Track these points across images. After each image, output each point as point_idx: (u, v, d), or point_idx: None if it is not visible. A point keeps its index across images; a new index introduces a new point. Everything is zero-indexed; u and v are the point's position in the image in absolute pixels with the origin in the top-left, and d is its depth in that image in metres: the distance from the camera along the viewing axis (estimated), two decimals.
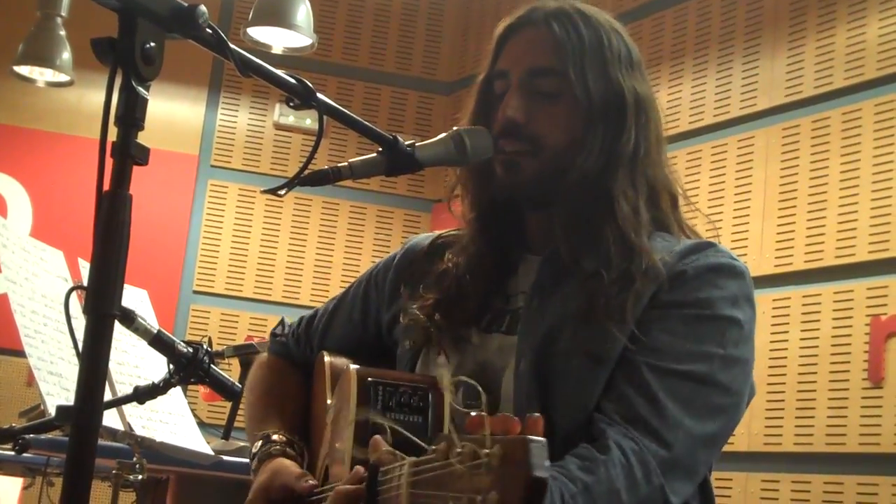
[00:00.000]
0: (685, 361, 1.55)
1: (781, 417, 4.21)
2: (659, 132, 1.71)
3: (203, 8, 1.30)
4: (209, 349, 1.63)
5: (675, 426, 1.52)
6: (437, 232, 1.88)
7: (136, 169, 1.24)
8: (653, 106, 1.70)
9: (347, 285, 1.95)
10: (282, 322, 2.04)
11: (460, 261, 1.74)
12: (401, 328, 1.78)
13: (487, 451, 0.97)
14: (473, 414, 1.03)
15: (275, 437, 1.78)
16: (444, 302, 1.72)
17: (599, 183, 1.63)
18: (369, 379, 1.53)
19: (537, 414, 1.00)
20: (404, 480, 1.15)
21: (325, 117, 1.45)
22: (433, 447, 1.08)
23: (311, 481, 1.65)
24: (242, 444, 3.15)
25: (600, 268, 1.59)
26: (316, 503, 1.62)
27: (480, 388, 1.08)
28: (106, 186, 1.23)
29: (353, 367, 1.58)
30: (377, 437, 1.32)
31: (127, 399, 1.68)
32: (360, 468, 1.39)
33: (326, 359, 1.82)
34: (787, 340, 4.27)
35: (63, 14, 4.83)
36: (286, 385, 1.94)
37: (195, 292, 5.96)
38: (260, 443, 1.78)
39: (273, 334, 2.02)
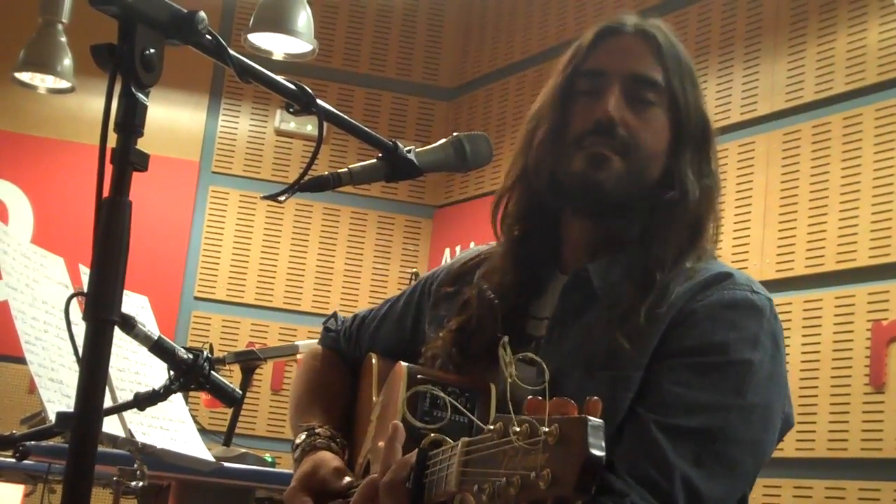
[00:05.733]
0: (697, 416, 1.48)
1: None
2: None
3: (202, 14, 1.30)
4: (210, 355, 1.62)
5: (688, 493, 1.45)
6: (480, 248, 1.85)
7: (137, 175, 1.24)
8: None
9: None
10: (334, 315, 2.06)
11: (485, 288, 1.71)
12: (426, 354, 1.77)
13: (546, 429, 0.97)
14: (529, 398, 1.02)
15: (319, 430, 1.80)
16: (462, 333, 1.70)
17: (695, 211, 1.62)
18: (419, 376, 1.54)
19: (596, 397, 0.98)
20: (455, 460, 1.14)
21: (325, 123, 1.45)
22: (489, 427, 1.07)
23: (347, 479, 1.66)
24: (244, 450, 3.15)
25: (645, 294, 1.55)
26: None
27: (545, 366, 1.07)
28: (106, 193, 1.23)
29: (404, 363, 1.60)
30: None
31: (127, 405, 1.67)
32: (403, 457, 1.38)
33: (374, 360, 1.85)
34: (788, 346, 4.25)
35: (64, 20, 4.84)
36: (334, 379, 1.95)
37: (196, 298, 5.96)
38: (304, 434, 1.80)
39: (326, 328, 2.03)
